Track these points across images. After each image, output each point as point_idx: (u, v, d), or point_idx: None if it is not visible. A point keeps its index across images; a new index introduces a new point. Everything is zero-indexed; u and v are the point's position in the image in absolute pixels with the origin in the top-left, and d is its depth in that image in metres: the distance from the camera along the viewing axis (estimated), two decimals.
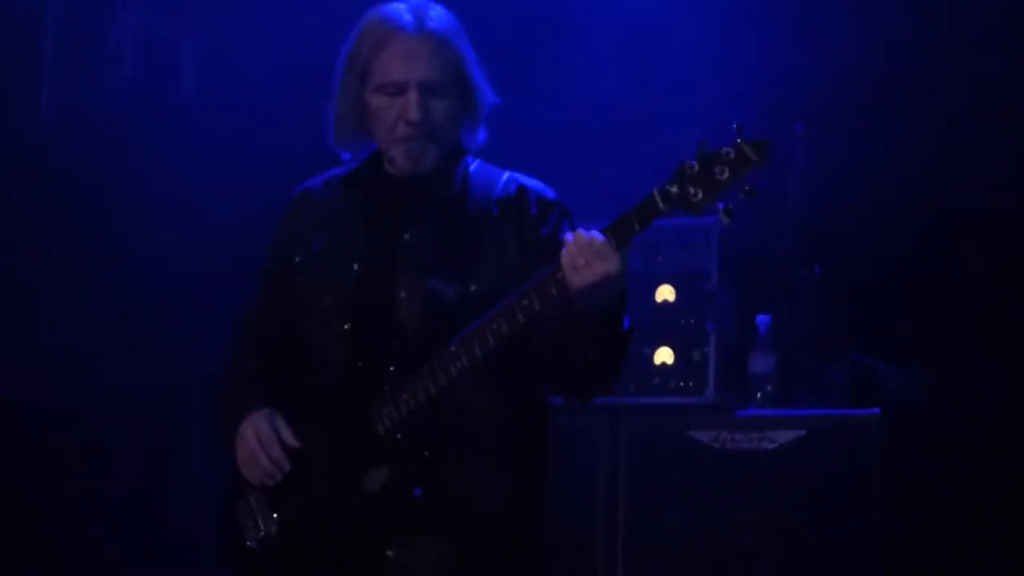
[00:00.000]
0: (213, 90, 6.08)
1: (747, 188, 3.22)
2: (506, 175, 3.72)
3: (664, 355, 5.25)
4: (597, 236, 3.30)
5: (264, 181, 5.39)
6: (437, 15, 3.66)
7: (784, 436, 5.06)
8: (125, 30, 6.13)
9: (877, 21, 5.60)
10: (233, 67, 6.00)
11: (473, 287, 3.56)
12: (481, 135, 3.74)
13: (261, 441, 3.59)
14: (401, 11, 3.65)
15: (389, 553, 3.49)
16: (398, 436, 3.48)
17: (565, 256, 3.31)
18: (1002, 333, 5.27)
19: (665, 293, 5.29)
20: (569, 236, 3.33)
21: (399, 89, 3.60)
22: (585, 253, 3.29)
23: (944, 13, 5.48)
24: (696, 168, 3.25)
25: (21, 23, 5.94)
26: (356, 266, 3.62)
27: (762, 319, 5.26)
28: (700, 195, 3.24)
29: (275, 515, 3.60)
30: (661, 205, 3.27)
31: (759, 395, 5.22)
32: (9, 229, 5.79)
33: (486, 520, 3.54)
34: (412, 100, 3.58)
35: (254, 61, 5.95)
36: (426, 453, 3.48)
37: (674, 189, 3.26)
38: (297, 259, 3.71)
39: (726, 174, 3.22)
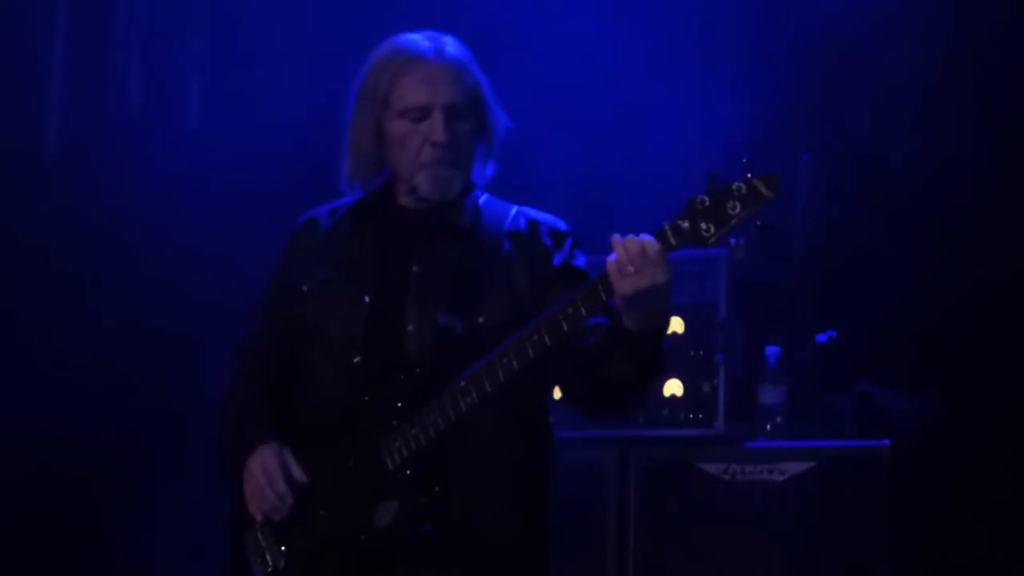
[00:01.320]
0: (218, 121, 6.10)
1: (759, 223, 3.20)
2: (515, 209, 3.72)
3: (673, 387, 5.25)
4: (650, 241, 3.24)
5: (268, 208, 5.42)
6: (452, 43, 3.68)
7: (794, 468, 5.04)
8: (131, 62, 6.15)
9: (879, 52, 5.62)
10: (238, 98, 6.02)
11: (482, 320, 3.55)
12: (490, 168, 3.74)
13: (267, 475, 3.57)
14: (417, 40, 3.67)
15: None
16: (408, 471, 3.46)
17: (613, 262, 3.24)
18: (1011, 360, 5.26)
19: (674, 325, 5.28)
20: (619, 239, 3.24)
21: (424, 113, 3.60)
22: (636, 260, 3.22)
23: (947, 34, 5.49)
24: (707, 202, 3.22)
25: (28, 55, 5.96)
26: (367, 298, 3.60)
27: (771, 351, 5.26)
28: (712, 230, 3.21)
29: (283, 548, 3.58)
30: (673, 240, 3.24)
31: (768, 427, 5.21)
32: (14, 260, 5.81)
33: (495, 555, 3.53)
34: (438, 122, 3.58)
35: (259, 92, 5.97)
36: (436, 488, 3.47)
37: (685, 224, 3.23)
38: (304, 287, 3.69)
39: (738, 209, 3.19)
